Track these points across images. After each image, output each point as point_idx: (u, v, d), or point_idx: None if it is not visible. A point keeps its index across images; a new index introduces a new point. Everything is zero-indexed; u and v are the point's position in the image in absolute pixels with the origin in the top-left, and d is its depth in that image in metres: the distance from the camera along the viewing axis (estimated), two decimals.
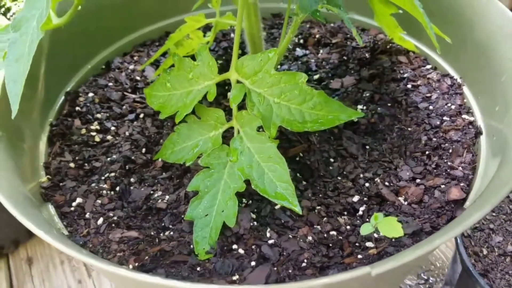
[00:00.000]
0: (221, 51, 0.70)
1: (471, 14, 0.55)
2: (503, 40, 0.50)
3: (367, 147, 0.54)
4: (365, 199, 0.47)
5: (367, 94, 0.59)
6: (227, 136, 0.48)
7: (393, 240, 0.42)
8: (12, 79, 0.38)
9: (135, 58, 0.67)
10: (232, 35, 0.71)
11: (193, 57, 0.66)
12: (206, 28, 0.67)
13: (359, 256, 0.41)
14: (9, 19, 0.56)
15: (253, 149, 0.45)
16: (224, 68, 0.50)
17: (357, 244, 0.43)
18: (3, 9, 0.57)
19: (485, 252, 0.61)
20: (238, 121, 0.46)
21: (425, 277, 0.73)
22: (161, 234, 0.47)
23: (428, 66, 0.62)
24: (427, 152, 0.51)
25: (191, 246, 0.44)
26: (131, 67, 0.65)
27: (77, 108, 0.58)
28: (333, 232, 0.45)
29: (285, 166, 0.43)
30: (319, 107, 0.43)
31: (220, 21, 0.57)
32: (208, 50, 0.46)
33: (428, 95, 0.58)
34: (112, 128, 0.57)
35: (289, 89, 0.43)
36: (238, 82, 0.46)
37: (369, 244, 0.43)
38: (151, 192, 0.51)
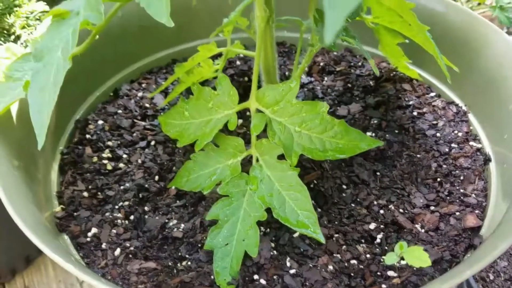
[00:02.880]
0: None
1: (477, 44, 0.57)
2: (508, 70, 0.52)
3: (378, 173, 0.54)
4: (381, 226, 0.48)
5: (375, 121, 0.61)
6: (243, 164, 0.48)
7: (415, 268, 0.43)
8: (36, 110, 0.38)
9: (143, 85, 0.67)
10: (238, 62, 0.72)
11: (202, 84, 0.67)
12: (215, 56, 0.68)
13: (383, 286, 0.42)
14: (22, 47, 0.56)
15: (274, 178, 0.45)
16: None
17: (378, 273, 0.44)
18: (13, 37, 0.57)
19: (491, 277, 0.62)
20: (257, 149, 0.47)
21: None
22: (179, 265, 0.46)
23: (432, 94, 0.64)
24: (438, 179, 0.52)
25: (212, 277, 0.44)
26: (140, 94, 0.65)
27: (88, 136, 0.58)
28: (354, 261, 0.45)
29: (306, 194, 0.44)
30: (340, 136, 0.44)
31: (232, 50, 0.58)
32: (229, 80, 0.47)
33: (435, 122, 0.59)
34: (124, 155, 0.56)
35: (310, 118, 0.44)
36: (257, 111, 0.47)
37: (391, 273, 0.43)
38: (166, 220, 0.50)
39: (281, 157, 0.45)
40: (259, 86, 0.48)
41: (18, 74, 0.45)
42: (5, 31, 0.56)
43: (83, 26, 0.39)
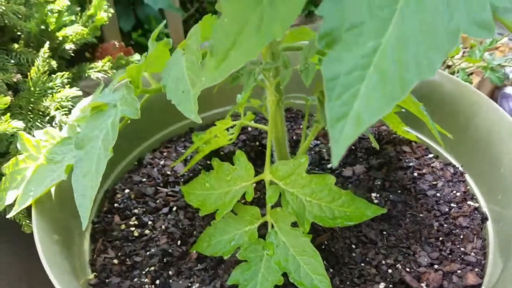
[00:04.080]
0: (240, 144, 0.76)
1: (470, 111, 0.63)
2: (499, 137, 0.57)
3: (384, 232, 0.59)
4: (390, 286, 0.52)
5: (379, 182, 0.65)
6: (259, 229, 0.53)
7: None
8: (81, 194, 0.43)
9: (164, 153, 0.73)
10: (249, 128, 0.78)
11: (217, 152, 0.73)
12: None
13: None
14: (54, 127, 0.62)
15: (288, 243, 0.50)
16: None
17: None
18: (48, 117, 0.63)
19: None
20: (272, 217, 0.52)
21: None
22: None
23: (430, 155, 0.69)
24: (440, 238, 0.56)
25: None
26: (162, 162, 0.71)
27: (116, 204, 0.63)
28: None
29: (319, 259, 0.48)
30: (347, 205, 0.49)
31: (245, 123, 0.64)
32: (245, 156, 0.52)
33: (434, 182, 0.64)
34: (149, 222, 0.61)
35: (320, 189, 0.49)
36: (271, 183, 0.52)
37: None
38: (189, 284, 0.54)
39: (294, 224, 0.50)
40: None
41: (58, 157, 0.51)
42: (40, 113, 0.63)
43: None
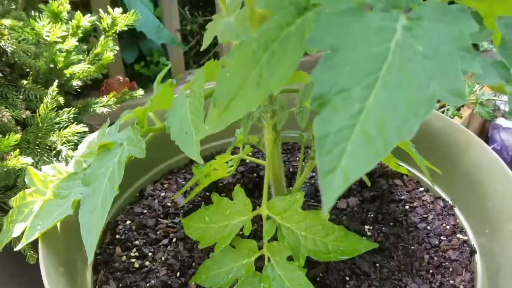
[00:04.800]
0: (238, 175, 0.79)
1: (459, 147, 0.66)
2: (486, 174, 0.60)
3: (377, 264, 0.61)
4: None
5: (372, 215, 0.68)
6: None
7: None
8: (87, 230, 0.46)
9: (165, 185, 0.75)
10: (247, 160, 0.81)
11: (216, 183, 0.75)
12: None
13: None
14: (60, 161, 0.64)
15: (284, 277, 0.52)
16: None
17: None
18: (54, 151, 0.66)
19: None
20: (269, 251, 0.54)
21: None
22: None
23: (421, 189, 0.72)
24: (430, 271, 0.59)
25: None
26: (162, 194, 0.73)
27: (117, 236, 0.65)
28: None
29: None
30: (340, 240, 0.51)
31: (244, 157, 0.67)
32: (244, 192, 0.55)
33: (425, 215, 0.67)
34: (149, 254, 0.63)
35: (314, 224, 0.52)
36: (268, 217, 0.54)
37: None
38: None
39: (290, 257, 0.52)
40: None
41: (65, 192, 0.53)
42: (47, 147, 0.66)
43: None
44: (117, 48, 0.79)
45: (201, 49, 0.44)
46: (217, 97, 0.36)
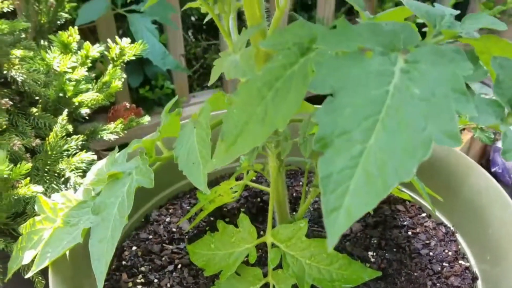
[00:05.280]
0: (243, 200, 0.80)
1: (461, 175, 0.67)
2: (487, 201, 0.61)
3: None
4: None
5: (375, 241, 0.69)
6: None
7: None
8: (96, 258, 0.47)
9: (170, 210, 0.76)
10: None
11: (220, 208, 0.76)
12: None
13: None
14: (68, 188, 0.66)
15: None
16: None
17: None
18: (62, 179, 0.68)
19: None
20: (274, 279, 0.55)
21: None
22: None
23: (423, 214, 0.73)
24: None
25: None
26: (168, 219, 0.74)
27: (124, 262, 0.66)
28: None
29: None
30: (344, 268, 0.52)
31: (248, 183, 0.68)
32: (249, 220, 0.56)
33: (427, 241, 0.67)
34: (155, 280, 0.64)
35: (318, 252, 0.53)
36: (273, 245, 0.55)
37: None
38: None
39: (295, 285, 0.53)
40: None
41: (74, 220, 0.55)
42: (56, 174, 0.67)
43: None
44: (125, 76, 0.81)
45: (208, 85, 0.46)
46: (224, 132, 0.37)
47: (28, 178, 0.58)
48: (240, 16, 0.52)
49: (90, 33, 1.26)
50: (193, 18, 1.66)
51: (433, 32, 0.38)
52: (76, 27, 0.69)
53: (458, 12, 0.41)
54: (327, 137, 0.28)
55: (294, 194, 0.81)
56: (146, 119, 0.81)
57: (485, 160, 1.32)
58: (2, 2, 0.66)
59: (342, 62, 0.31)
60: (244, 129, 0.37)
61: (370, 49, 0.32)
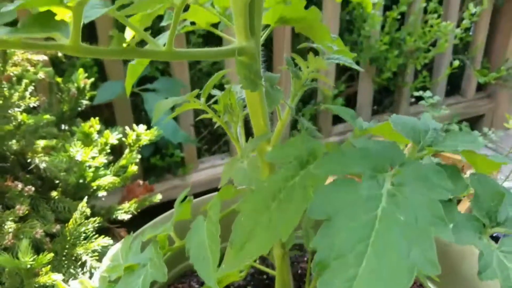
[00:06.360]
0: (249, 277, 0.83)
1: (457, 256, 0.70)
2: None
3: None
4: None
5: None
6: None
7: None
8: None
9: None
10: (257, 260, 0.85)
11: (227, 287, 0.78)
12: None
13: None
14: (84, 272, 0.69)
15: None
16: None
17: None
18: (79, 262, 0.71)
19: None
20: None
21: None
22: None
23: None
24: None
25: None
26: None
27: None
28: None
29: None
30: None
31: (254, 264, 0.71)
32: None
33: None
34: None
35: None
36: None
37: None
38: None
39: None
40: None
41: None
42: (73, 258, 0.71)
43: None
44: (139, 156, 0.86)
45: (219, 186, 0.51)
46: (233, 239, 0.41)
47: (49, 266, 0.61)
48: (246, 123, 0.58)
49: (105, 108, 1.34)
50: None
51: (418, 148, 0.43)
52: (97, 118, 0.75)
53: (441, 125, 0.46)
54: (324, 260, 0.32)
55: (299, 271, 0.84)
56: (158, 197, 0.86)
57: None
58: (29, 98, 0.72)
59: (335, 188, 0.35)
60: (251, 236, 0.41)
61: (361, 172, 0.37)
